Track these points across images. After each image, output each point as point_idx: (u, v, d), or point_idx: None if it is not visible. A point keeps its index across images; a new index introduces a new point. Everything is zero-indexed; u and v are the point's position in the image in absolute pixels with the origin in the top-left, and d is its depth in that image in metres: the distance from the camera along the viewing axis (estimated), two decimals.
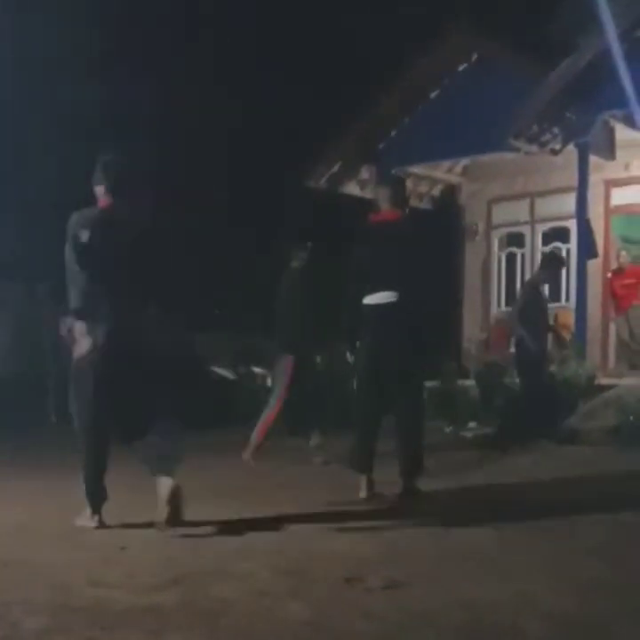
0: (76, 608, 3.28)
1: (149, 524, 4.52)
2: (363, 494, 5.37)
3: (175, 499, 4.44)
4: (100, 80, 14.41)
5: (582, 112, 10.16)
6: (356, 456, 5.49)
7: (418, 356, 5.40)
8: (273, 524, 4.83)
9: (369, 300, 5.34)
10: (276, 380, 7.71)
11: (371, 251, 5.41)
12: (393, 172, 6.18)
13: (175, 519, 4.43)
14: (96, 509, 4.69)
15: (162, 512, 4.44)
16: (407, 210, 5.52)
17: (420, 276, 5.32)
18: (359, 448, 5.49)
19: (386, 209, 5.43)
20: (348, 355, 5.78)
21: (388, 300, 5.26)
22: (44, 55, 13.79)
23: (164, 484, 4.47)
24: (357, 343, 5.59)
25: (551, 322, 9.30)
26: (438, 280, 5.64)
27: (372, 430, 5.49)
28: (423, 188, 13.49)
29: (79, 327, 4.59)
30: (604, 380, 9.38)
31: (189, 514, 5.15)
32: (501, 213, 13.15)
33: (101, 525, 4.66)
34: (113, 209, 4.66)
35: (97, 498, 4.70)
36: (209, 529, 4.67)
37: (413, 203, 13.48)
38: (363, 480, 5.41)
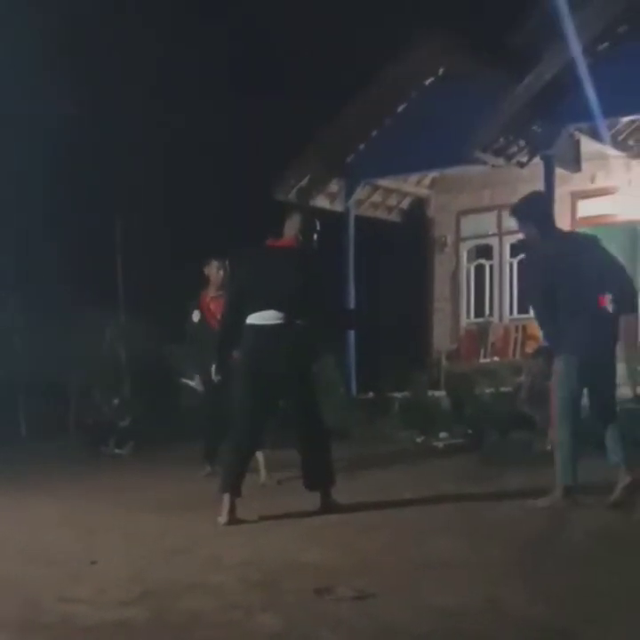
0: (44, 624, 3.26)
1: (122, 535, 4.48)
2: (223, 519, 5.11)
3: None
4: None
5: (548, 125, 10.28)
6: (234, 478, 5.24)
7: (305, 374, 5.44)
8: (244, 535, 4.83)
9: (253, 319, 5.32)
10: None
11: (258, 271, 5.48)
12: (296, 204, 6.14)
13: None
14: None
15: None
16: (308, 242, 5.50)
17: (309, 301, 5.33)
18: (239, 469, 5.30)
19: (287, 236, 5.53)
20: (212, 371, 5.62)
21: (275, 322, 5.26)
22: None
23: None
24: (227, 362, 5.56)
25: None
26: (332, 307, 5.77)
27: (251, 454, 5.57)
28: (392, 201, 13.57)
29: None
30: None
31: (159, 525, 5.15)
32: (470, 226, 13.26)
33: None
34: None
35: None
36: (179, 540, 4.65)
37: (382, 215, 13.64)
38: (228, 503, 5.13)
